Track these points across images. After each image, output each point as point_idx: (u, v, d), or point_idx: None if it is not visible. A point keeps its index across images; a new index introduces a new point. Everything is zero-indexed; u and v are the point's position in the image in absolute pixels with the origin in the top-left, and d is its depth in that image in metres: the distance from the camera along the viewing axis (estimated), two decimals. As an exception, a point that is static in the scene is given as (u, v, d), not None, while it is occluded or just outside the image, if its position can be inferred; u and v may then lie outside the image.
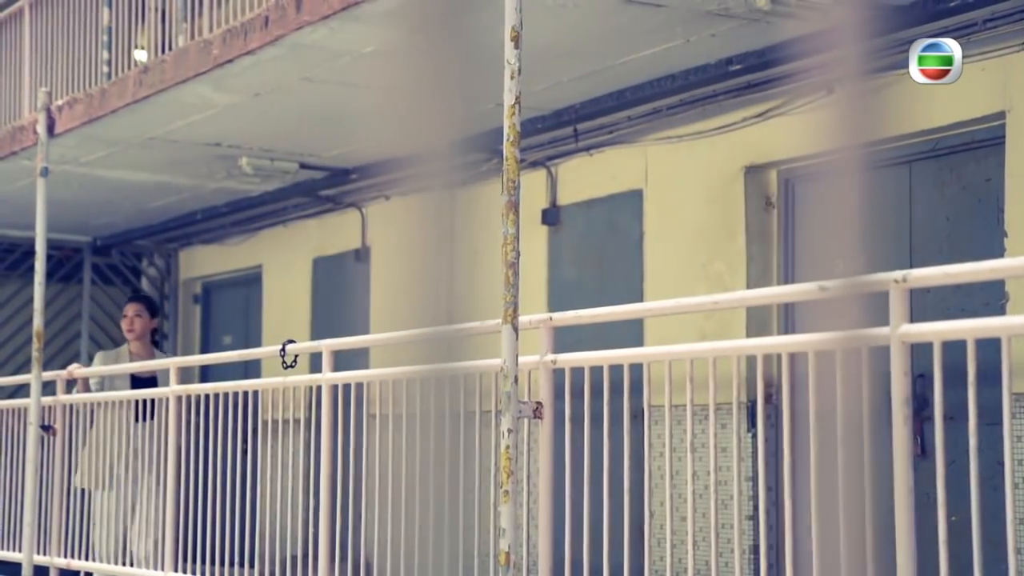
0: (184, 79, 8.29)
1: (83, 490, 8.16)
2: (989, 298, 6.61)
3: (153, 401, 7.67)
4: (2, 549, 9.01)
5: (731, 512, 6.34)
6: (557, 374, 5.21)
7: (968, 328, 3.72)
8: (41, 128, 8.28)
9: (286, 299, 11.85)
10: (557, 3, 6.81)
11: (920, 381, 5.44)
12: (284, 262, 11.92)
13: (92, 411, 8.16)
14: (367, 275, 10.92)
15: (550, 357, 5.20)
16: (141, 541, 7.79)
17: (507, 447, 4.78)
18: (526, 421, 5.14)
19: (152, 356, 8.40)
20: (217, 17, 8.20)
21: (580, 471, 5.09)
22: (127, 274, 13.81)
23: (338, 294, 11.27)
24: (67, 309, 13.52)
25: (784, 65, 7.40)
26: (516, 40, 4.75)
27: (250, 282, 12.52)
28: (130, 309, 8.60)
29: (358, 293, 10.97)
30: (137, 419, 7.83)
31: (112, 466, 7.91)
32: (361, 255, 10.98)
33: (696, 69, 7.79)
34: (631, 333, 7.98)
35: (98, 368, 8.52)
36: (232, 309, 12.97)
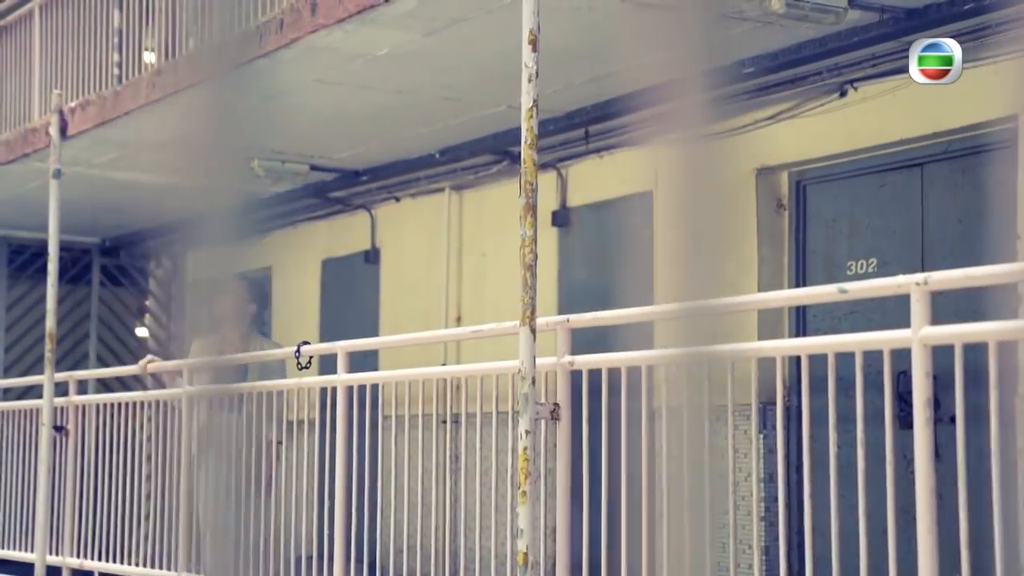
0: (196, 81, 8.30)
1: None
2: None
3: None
4: (16, 549, 9.04)
5: (744, 512, 6.36)
6: (574, 375, 5.24)
7: (990, 331, 3.73)
8: (54, 130, 8.29)
9: (295, 300, 11.86)
10: (571, 6, 6.83)
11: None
12: (293, 263, 11.94)
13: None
14: (376, 276, 10.94)
15: (567, 359, 5.22)
16: None
17: (525, 448, 4.81)
18: (543, 422, 5.17)
19: (248, 343, 8.16)
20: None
21: (598, 472, 5.11)
22: (135, 275, 13.84)
23: (347, 296, 11.30)
24: (76, 310, 13.54)
25: (796, 68, 7.42)
26: (534, 43, 4.77)
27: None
28: None
29: (367, 295, 11.00)
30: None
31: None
32: (370, 256, 11.00)
33: (708, 71, 7.80)
34: (641, 334, 7.98)
35: (108, 370, 8.52)
36: (240, 310, 12.97)
